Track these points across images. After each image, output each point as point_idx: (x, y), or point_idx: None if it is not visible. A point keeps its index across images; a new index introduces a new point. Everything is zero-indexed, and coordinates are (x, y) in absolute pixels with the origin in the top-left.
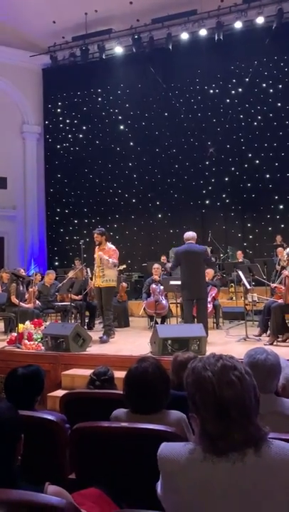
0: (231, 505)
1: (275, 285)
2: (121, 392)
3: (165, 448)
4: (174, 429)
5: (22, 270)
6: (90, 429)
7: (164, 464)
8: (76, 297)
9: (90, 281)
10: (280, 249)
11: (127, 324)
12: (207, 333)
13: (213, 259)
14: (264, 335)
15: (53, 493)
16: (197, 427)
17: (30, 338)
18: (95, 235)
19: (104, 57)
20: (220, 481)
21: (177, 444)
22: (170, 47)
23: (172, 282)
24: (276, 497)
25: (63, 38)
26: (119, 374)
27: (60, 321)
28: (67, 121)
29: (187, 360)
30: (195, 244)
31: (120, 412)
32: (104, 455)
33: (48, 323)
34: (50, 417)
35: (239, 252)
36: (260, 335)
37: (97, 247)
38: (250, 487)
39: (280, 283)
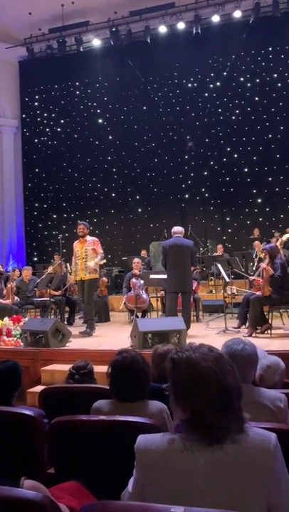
0: (212, 493)
1: (253, 278)
2: (101, 386)
3: (143, 439)
4: (153, 420)
5: (0, 266)
6: (68, 423)
7: (142, 455)
8: (55, 292)
9: (69, 276)
10: (256, 242)
11: (107, 319)
12: (189, 326)
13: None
14: (243, 327)
15: (29, 488)
16: (181, 418)
17: (9, 335)
18: (82, 227)
19: (81, 49)
20: (201, 470)
21: (155, 435)
22: (148, 40)
23: (152, 276)
24: (255, 484)
25: (40, 29)
26: (100, 369)
27: (39, 317)
28: (45, 114)
29: (167, 353)
30: (183, 238)
31: (102, 402)
32: (83, 448)
33: (26, 319)
34: (27, 412)
35: (219, 246)
36: (239, 327)
37: (80, 239)
38: (231, 475)
39: (258, 276)
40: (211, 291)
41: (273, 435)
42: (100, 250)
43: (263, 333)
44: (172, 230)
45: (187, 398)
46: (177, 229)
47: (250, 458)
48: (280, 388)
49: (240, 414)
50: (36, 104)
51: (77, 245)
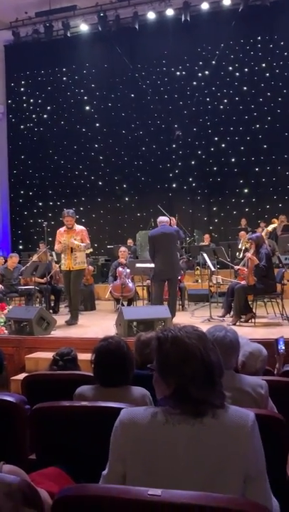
0: (192, 465)
1: (238, 267)
2: (84, 373)
3: (127, 413)
4: (134, 405)
5: None
6: (50, 409)
7: (127, 428)
8: (41, 280)
9: (54, 264)
10: (242, 232)
11: (93, 307)
12: (175, 314)
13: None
14: (228, 315)
15: (8, 472)
16: (165, 393)
17: None
18: (70, 219)
19: (68, 34)
20: (181, 443)
21: (138, 408)
22: (136, 26)
23: (138, 265)
24: (232, 457)
25: (26, 13)
26: (84, 356)
27: (24, 305)
28: (31, 100)
29: (150, 340)
30: (168, 226)
31: (85, 388)
32: (65, 434)
33: (11, 307)
34: (8, 398)
35: (206, 236)
36: (224, 316)
37: (68, 229)
38: (209, 448)
39: (244, 265)
40: (197, 281)
41: (251, 414)
42: (88, 241)
43: (247, 321)
44: (158, 220)
45: (172, 374)
46: (163, 218)
47: (228, 433)
48: (261, 375)
49: (221, 390)
50: (22, 89)
51: (63, 235)
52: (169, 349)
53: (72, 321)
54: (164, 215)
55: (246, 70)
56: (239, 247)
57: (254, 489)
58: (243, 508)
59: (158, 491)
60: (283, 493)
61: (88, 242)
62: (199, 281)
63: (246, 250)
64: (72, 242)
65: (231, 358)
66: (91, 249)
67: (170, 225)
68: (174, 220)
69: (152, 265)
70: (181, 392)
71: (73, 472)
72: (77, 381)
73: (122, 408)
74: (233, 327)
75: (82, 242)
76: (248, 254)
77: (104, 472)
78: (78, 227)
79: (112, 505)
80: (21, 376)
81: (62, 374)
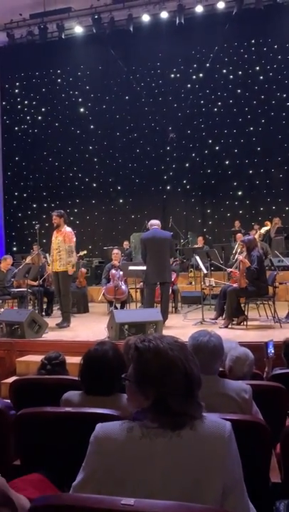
0: (169, 479)
1: (230, 270)
2: (72, 378)
3: (101, 428)
4: (120, 412)
5: None
6: (35, 415)
7: (101, 444)
8: (33, 283)
9: (47, 266)
10: (239, 234)
11: (86, 310)
12: (167, 317)
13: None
14: (220, 318)
15: None
16: (142, 405)
17: None
18: (54, 217)
19: (63, 36)
20: (158, 456)
21: (114, 423)
22: (131, 29)
23: (131, 268)
24: (210, 469)
25: (21, 15)
26: (76, 360)
27: (16, 308)
28: (26, 102)
29: None
30: (161, 230)
31: (72, 394)
32: (50, 440)
33: (2, 309)
34: None
35: (200, 238)
36: (216, 318)
37: (56, 229)
38: (187, 460)
39: (236, 268)
40: (191, 283)
41: (228, 423)
42: (70, 243)
43: (238, 324)
44: (149, 223)
45: (153, 386)
46: (154, 221)
47: (205, 445)
48: (249, 379)
49: (198, 401)
50: (17, 91)
51: (53, 235)
52: (151, 361)
53: (63, 324)
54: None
55: (240, 72)
56: (235, 249)
57: (232, 500)
58: None
59: (131, 501)
60: (266, 499)
61: (71, 244)
62: (193, 283)
63: (240, 253)
64: (67, 261)
65: (215, 362)
66: (85, 251)
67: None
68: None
69: (145, 267)
70: (160, 405)
71: (57, 478)
72: (65, 386)
73: (107, 414)
74: (225, 329)
75: (65, 243)
76: (240, 257)
77: (75, 483)
78: (65, 229)
79: None
80: (12, 379)
81: (51, 379)
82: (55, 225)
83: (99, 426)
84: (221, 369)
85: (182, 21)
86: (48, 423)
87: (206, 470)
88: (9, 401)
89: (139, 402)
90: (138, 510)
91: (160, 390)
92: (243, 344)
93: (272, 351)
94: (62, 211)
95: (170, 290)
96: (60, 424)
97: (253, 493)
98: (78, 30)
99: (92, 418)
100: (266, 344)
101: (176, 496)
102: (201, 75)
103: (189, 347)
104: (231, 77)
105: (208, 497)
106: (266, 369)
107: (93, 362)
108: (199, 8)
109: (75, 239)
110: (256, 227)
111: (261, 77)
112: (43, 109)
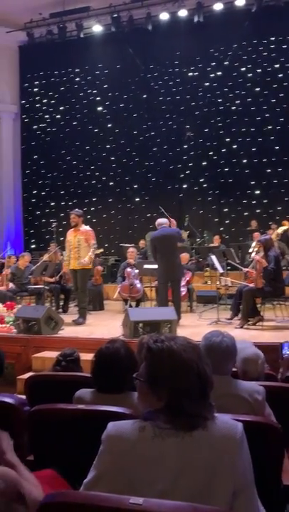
0: (181, 478)
1: (247, 270)
2: (86, 375)
3: (113, 427)
4: (131, 411)
5: None
6: (48, 411)
7: (113, 442)
8: (50, 280)
9: (64, 264)
10: (256, 233)
11: (101, 307)
12: (180, 315)
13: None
14: (235, 318)
15: None
16: (155, 406)
17: (1, 321)
18: (72, 216)
19: (82, 35)
20: (171, 456)
21: (125, 422)
22: (150, 27)
23: (147, 266)
24: (221, 470)
25: (40, 14)
26: (91, 357)
27: (33, 304)
28: (44, 101)
29: None
30: (168, 228)
31: (84, 392)
32: (62, 437)
33: (20, 306)
34: (7, 400)
35: (216, 237)
36: (231, 318)
37: (73, 228)
38: (198, 460)
39: (252, 268)
40: (206, 282)
41: (240, 424)
42: (93, 241)
43: (254, 324)
44: (157, 222)
45: (166, 388)
46: (162, 220)
47: (217, 445)
48: (262, 380)
49: (210, 402)
50: (36, 90)
51: (70, 234)
52: (165, 362)
53: (79, 321)
54: (164, 216)
55: (259, 70)
56: (251, 249)
57: (242, 501)
58: None
59: (139, 500)
60: (278, 501)
61: (94, 242)
62: (209, 282)
63: (257, 252)
64: (82, 262)
65: (228, 363)
66: (101, 250)
67: (170, 226)
68: (174, 222)
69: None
70: (174, 406)
71: (70, 475)
72: (78, 383)
73: (119, 412)
74: (241, 330)
75: (87, 244)
76: (257, 257)
77: (86, 481)
78: (84, 228)
79: None
80: (28, 375)
81: (64, 375)
82: (73, 224)
83: (111, 424)
84: (233, 369)
85: (201, 19)
86: (60, 420)
87: (217, 471)
88: (24, 397)
89: (150, 403)
90: (146, 509)
91: (174, 391)
92: (258, 345)
93: (288, 352)
94: (81, 211)
95: (185, 289)
96: (73, 421)
97: (265, 496)
98: (97, 29)
99: (104, 416)
100: (281, 345)
101: (187, 496)
102: (219, 73)
103: (202, 347)
104: (250, 75)
105: (219, 498)
106: (281, 370)
107: (105, 360)
108: (218, 6)
109: (94, 235)
110: (273, 226)
111: (280, 75)
112: (61, 108)
